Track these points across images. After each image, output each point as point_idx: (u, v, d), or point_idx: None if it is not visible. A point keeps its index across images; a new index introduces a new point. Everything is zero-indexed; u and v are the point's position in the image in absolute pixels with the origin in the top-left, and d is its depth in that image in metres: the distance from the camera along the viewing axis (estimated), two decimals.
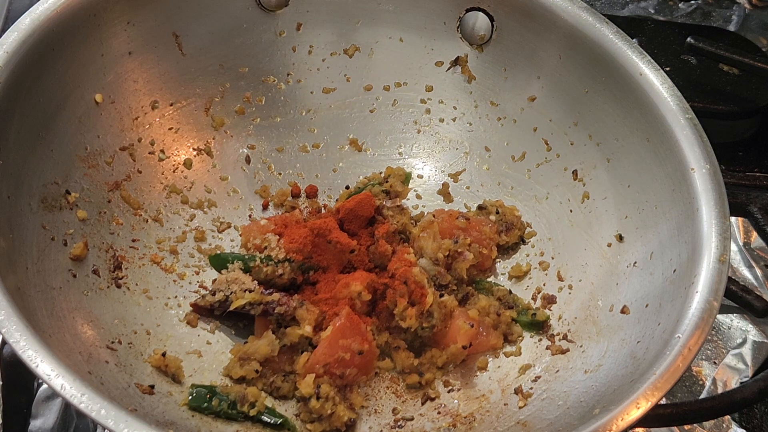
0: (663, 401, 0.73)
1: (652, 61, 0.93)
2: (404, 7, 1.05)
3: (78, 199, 0.90)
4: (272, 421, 0.82)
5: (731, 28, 1.48)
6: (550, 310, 0.94)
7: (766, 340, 1.04)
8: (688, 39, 1.27)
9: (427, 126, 1.09)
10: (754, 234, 1.13)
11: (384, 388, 0.89)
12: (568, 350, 0.89)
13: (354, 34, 1.08)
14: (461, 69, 1.07)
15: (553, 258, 0.98)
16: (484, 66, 1.06)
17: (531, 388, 0.86)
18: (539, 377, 0.88)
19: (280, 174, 1.06)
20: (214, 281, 0.94)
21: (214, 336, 0.91)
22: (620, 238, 0.92)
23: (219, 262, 0.95)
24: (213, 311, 0.91)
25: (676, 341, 0.74)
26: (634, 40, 1.13)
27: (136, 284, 0.91)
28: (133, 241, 0.94)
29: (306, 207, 1.04)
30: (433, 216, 0.99)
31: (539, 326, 0.93)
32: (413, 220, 1.02)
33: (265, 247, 0.93)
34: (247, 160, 1.05)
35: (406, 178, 1.05)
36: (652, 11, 1.50)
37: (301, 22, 1.06)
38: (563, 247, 0.98)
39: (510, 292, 0.96)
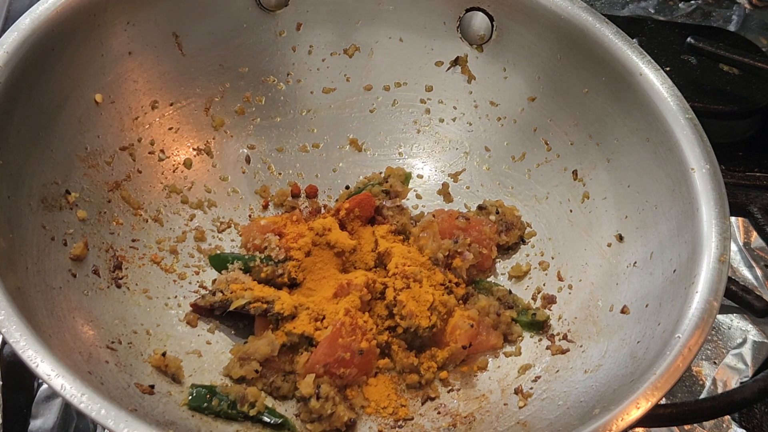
0: (663, 401, 0.73)
1: (652, 61, 0.93)
2: (404, 7, 1.05)
3: (78, 199, 0.90)
4: (272, 421, 0.82)
5: (731, 28, 1.48)
6: (550, 310, 0.94)
7: (766, 340, 1.04)
8: (688, 39, 1.27)
9: (427, 126, 1.09)
10: (754, 234, 1.13)
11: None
12: (568, 350, 0.89)
13: (354, 34, 1.08)
14: (461, 69, 1.07)
15: (553, 258, 0.98)
16: (484, 66, 1.06)
17: (531, 388, 0.86)
18: (539, 377, 0.88)
19: (280, 174, 1.06)
20: (214, 281, 0.94)
21: (214, 336, 0.91)
22: (620, 238, 0.92)
23: (219, 262, 0.95)
24: (213, 311, 0.91)
25: (676, 341, 0.74)
26: (634, 40, 1.13)
27: (136, 284, 0.91)
28: (133, 241, 0.94)
29: (306, 207, 1.04)
30: (433, 216, 0.99)
31: (539, 326, 0.93)
32: (413, 220, 1.02)
33: (265, 247, 0.93)
34: (247, 160, 1.05)
35: (406, 178, 1.05)
36: (652, 11, 1.50)
37: (301, 22, 1.06)
38: (563, 247, 0.98)
39: (510, 292, 0.96)
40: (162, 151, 1.00)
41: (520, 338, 0.93)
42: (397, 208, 1.00)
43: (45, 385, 0.92)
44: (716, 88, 1.27)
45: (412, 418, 0.86)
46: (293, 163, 1.07)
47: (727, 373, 1.01)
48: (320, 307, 0.89)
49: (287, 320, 0.88)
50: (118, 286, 0.89)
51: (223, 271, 0.94)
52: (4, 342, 0.85)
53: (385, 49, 1.08)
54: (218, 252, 0.98)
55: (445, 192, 1.06)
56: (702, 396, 1.00)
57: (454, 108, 1.08)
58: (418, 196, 1.07)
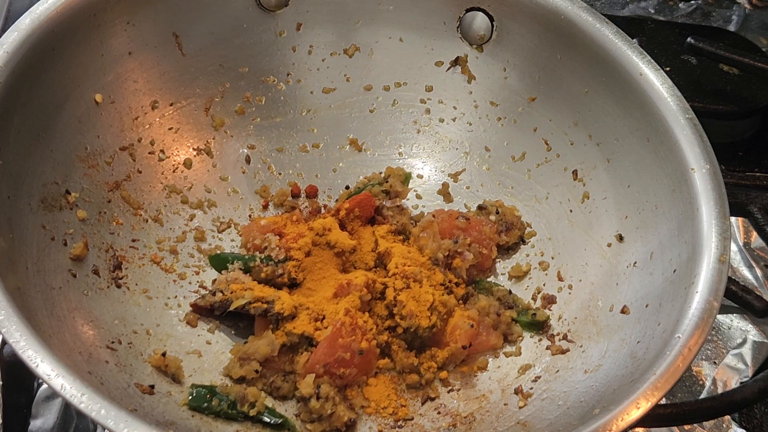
0: (663, 401, 0.73)
1: (652, 61, 0.93)
2: (404, 7, 1.05)
3: (78, 199, 0.90)
4: (272, 421, 0.82)
5: (731, 28, 1.48)
6: (550, 310, 0.94)
7: (766, 340, 1.04)
8: (688, 39, 1.27)
9: (427, 126, 1.09)
10: (754, 234, 1.13)
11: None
12: (568, 350, 0.89)
13: (354, 34, 1.08)
14: (461, 69, 1.07)
15: (553, 258, 0.98)
16: (484, 66, 1.06)
17: (531, 388, 0.86)
18: (539, 377, 0.88)
19: (280, 174, 1.06)
20: (214, 281, 0.94)
21: (214, 336, 0.91)
22: (620, 238, 0.92)
23: (219, 262, 0.95)
24: (213, 311, 0.91)
25: (676, 341, 0.74)
26: (634, 40, 1.13)
27: (136, 284, 0.91)
28: (133, 241, 0.94)
29: (306, 207, 1.04)
30: (433, 216, 0.99)
31: (539, 326, 0.93)
32: (413, 220, 1.02)
33: (265, 247, 0.93)
34: (247, 160, 1.05)
35: (406, 178, 1.05)
36: (652, 11, 1.50)
37: (301, 22, 1.06)
38: (563, 247, 0.98)
39: (510, 292, 0.96)
40: (162, 151, 1.00)
41: (520, 338, 0.93)
42: (397, 208, 1.00)
43: (45, 385, 0.92)
44: (716, 88, 1.27)
45: (412, 418, 0.86)
46: (293, 163, 1.07)
47: (727, 373, 1.01)
48: (320, 307, 0.89)
49: (287, 320, 0.88)
50: (118, 286, 0.89)
51: (223, 271, 0.94)
52: (4, 342, 0.85)
53: (385, 49, 1.08)
54: (218, 252, 0.98)
55: (445, 192, 1.06)
56: (702, 396, 1.00)
57: (454, 108, 1.08)
58: (418, 196, 1.07)
